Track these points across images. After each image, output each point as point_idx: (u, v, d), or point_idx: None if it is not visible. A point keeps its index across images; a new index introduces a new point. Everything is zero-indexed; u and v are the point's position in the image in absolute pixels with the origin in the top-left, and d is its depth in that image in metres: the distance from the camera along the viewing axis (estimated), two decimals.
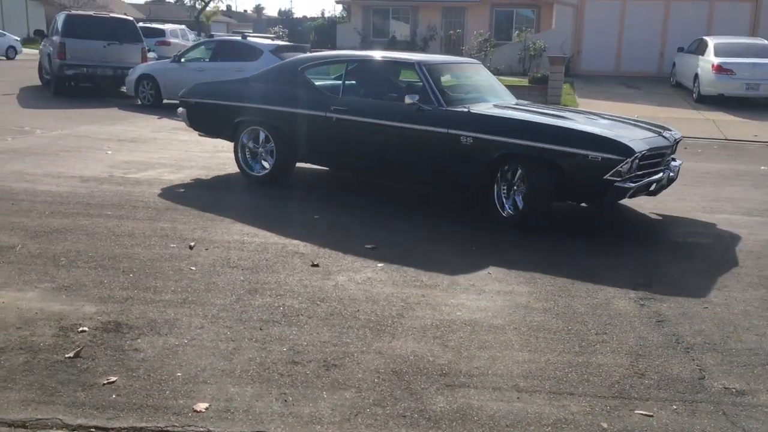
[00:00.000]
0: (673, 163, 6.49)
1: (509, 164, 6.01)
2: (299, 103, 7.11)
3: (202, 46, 14.77)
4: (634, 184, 5.69)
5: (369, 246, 5.43)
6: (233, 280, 4.62)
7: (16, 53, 31.50)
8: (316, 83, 7.38)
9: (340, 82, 7.16)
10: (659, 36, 23.43)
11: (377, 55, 7.64)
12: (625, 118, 7.10)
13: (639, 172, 5.78)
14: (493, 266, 5.07)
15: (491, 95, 7.16)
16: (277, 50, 13.40)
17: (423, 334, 3.89)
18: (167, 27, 26.70)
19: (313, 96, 7.12)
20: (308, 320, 4.04)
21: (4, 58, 30.63)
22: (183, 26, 29.52)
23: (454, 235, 5.89)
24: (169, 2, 73.59)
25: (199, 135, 8.35)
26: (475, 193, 6.57)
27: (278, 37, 27.76)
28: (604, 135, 5.81)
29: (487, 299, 4.45)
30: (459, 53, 25.62)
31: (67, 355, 3.50)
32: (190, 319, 3.99)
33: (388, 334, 3.89)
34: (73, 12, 17.44)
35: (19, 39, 32.75)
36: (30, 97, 15.51)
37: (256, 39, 14.59)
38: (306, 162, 7.77)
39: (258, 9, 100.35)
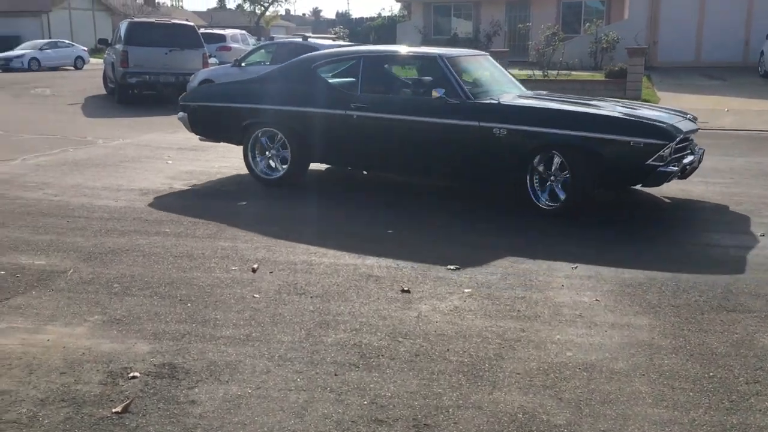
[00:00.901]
0: (698, 148, 6.53)
1: (542, 155, 5.92)
2: (315, 101, 6.88)
3: (263, 50, 14.45)
4: (675, 168, 5.73)
5: (451, 267, 4.80)
6: (301, 311, 4.06)
7: (84, 63, 32.17)
8: (331, 81, 7.17)
9: (356, 78, 6.90)
10: (743, 23, 21.96)
11: (393, 49, 7.53)
12: (653, 105, 7.27)
13: (675, 156, 5.82)
14: (600, 294, 4.36)
15: (508, 86, 7.06)
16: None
17: (530, 383, 3.23)
18: (228, 32, 26.67)
19: (330, 94, 6.92)
20: (390, 362, 3.44)
21: (72, 68, 31.30)
22: (243, 31, 29.50)
23: (540, 247, 5.19)
24: (229, 9, 74.63)
25: (200, 140, 8.00)
26: (507, 186, 6.46)
27: (339, 38, 27.40)
28: (645, 120, 5.83)
29: (601, 335, 3.75)
30: (525, 49, 24.70)
31: (114, 410, 2.99)
32: (254, 360, 3.45)
33: (487, 382, 3.25)
34: (135, 19, 17.41)
35: (86, 49, 33.45)
36: (94, 107, 15.49)
37: (316, 40, 14.14)
38: (324, 162, 7.61)
39: (316, 12, 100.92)
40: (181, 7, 65.02)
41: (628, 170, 5.74)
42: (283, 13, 74.54)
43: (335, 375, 3.31)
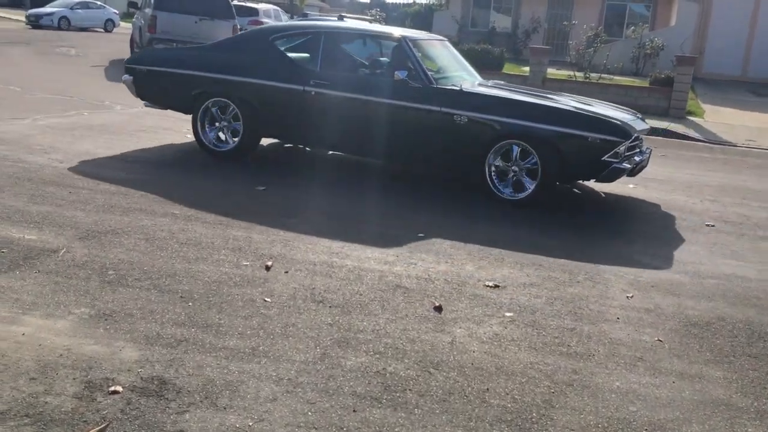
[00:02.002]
0: (645, 147, 6.59)
1: (502, 145, 5.93)
2: (272, 74, 6.68)
3: None
4: (628, 165, 5.81)
5: (489, 284, 4.23)
6: (318, 323, 3.51)
7: (114, 26, 31.75)
8: (290, 55, 6.95)
9: (316, 54, 6.71)
10: None
11: (356, 27, 7.42)
12: (606, 103, 7.16)
13: (627, 154, 5.89)
14: (662, 333, 3.78)
15: (467, 73, 6.95)
16: None
17: None
18: (261, 6, 26.08)
19: (288, 68, 6.72)
20: (419, 400, 2.88)
21: (101, 30, 30.90)
22: (277, 7, 28.89)
23: (588, 267, 4.60)
24: None
25: (145, 105, 7.60)
26: (466, 174, 6.46)
27: (375, 20, 26.74)
28: (603, 117, 5.92)
29: (668, 386, 3.17)
30: (565, 48, 23.94)
31: None
32: (259, 383, 2.91)
33: None
34: None
35: (117, 12, 33.02)
36: (117, 71, 14.98)
37: (352, 21, 13.52)
38: (277, 138, 7.49)
39: None
40: None
41: (584, 165, 5.84)
42: None
43: (354, 411, 2.76)
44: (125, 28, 29.84)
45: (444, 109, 6.06)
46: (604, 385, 3.13)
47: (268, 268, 4.18)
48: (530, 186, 5.93)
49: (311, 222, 5.17)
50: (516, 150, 5.90)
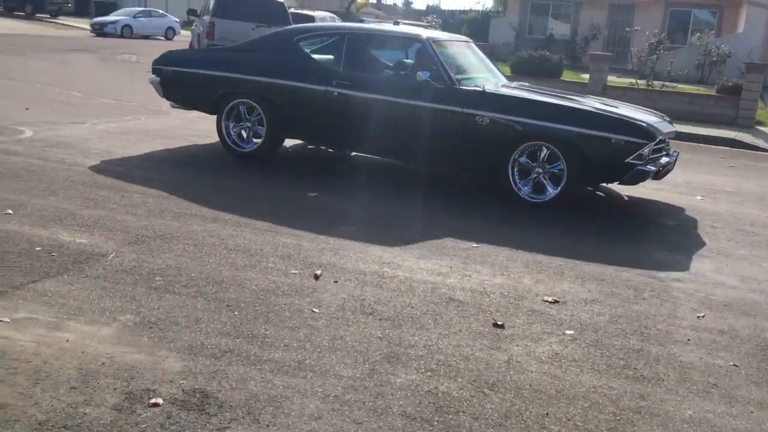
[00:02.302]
0: (672, 150, 6.49)
1: (525, 146, 5.88)
2: (295, 75, 6.69)
3: None
4: (653, 168, 5.72)
5: (549, 299, 4.01)
6: (367, 336, 3.36)
7: (174, 34, 32.48)
8: (313, 55, 6.97)
9: (339, 55, 6.74)
10: None
11: (380, 28, 7.47)
12: (633, 105, 6.99)
13: (652, 156, 5.82)
14: (737, 358, 3.50)
15: (491, 75, 6.94)
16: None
17: None
18: (317, 14, 26.15)
19: (312, 69, 6.73)
20: (473, 424, 2.69)
21: (162, 38, 31.63)
22: (333, 14, 29.01)
23: (655, 282, 4.32)
24: None
25: (172, 106, 7.69)
26: (488, 175, 6.33)
27: (431, 26, 26.59)
28: (628, 118, 5.85)
29: (746, 417, 2.90)
30: (625, 55, 23.32)
31: None
32: (303, 399, 2.76)
33: None
34: None
35: (178, 21, 33.75)
36: None
37: (409, 27, 13.39)
38: (299, 139, 7.48)
39: (406, 2, 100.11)
40: None
41: (607, 166, 5.76)
42: (374, 0, 74.10)
43: None
44: (185, 35, 30.44)
45: (466, 110, 6.02)
46: (674, 414, 2.88)
47: (317, 277, 4.05)
48: (551, 190, 5.88)
49: (362, 230, 5.03)
50: (544, 152, 5.84)
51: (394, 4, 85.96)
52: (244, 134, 6.97)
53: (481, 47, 14.41)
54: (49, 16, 34.14)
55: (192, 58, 7.69)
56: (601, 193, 6.91)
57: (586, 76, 15.18)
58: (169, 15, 33.97)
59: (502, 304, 3.88)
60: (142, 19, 31.66)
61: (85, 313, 3.36)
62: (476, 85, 6.28)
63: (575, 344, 3.46)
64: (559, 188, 5.83)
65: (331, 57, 6.97)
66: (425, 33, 6.87)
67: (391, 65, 6.98)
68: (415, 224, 5.34)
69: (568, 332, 3.59)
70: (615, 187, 6.79)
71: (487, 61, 7.34)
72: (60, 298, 3.50)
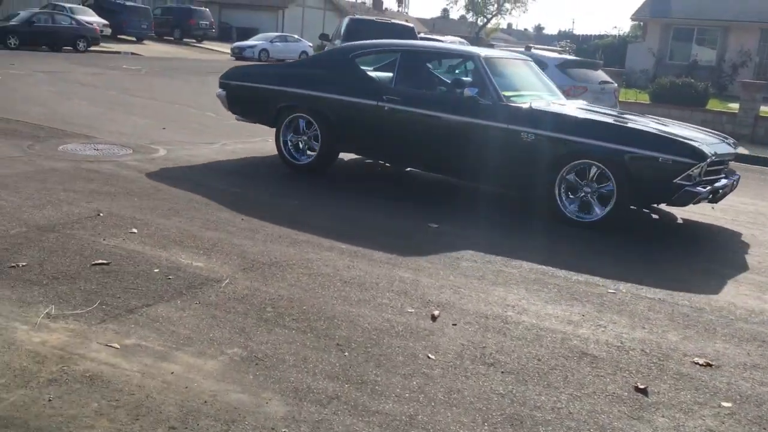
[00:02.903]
0: (734, 172, 6.35)
1: (573, 164, 5.78)
2: (349, 90, 6.82)
3: None
4: (703, 189, 5.55)
5: (700, 361, 3.48)
6: (487, 392, 3.00)
7: None
8: (368, 71, 7.13)
9: (392, 71, 6.87)
10: None
11: (434, 45, 7.74)
12: (690, 125, 6.79)
13: (706, 178, 5.67)
14: None
15: (545, 92, 6.86)
16: (564, 65, 11.62)
17: None
18: (446, 39, 26.19)
19: (364, 84, 6.90)
20: None
21: None
22: (462, 40, 28.93)
23: None
24: (452, 19, 75.08)
25: (236, 119, 7.94)
26: (535, 193, 6.15)
27: (565, 51, 25.83)
28: (676, 138, 5.69)
29: None
30: None
31: None
32: None
33: None
34: (357, 16, 17.34)
35: (312, 45, 34.87)
36: None
37: (541, 52, 12.95)
38: (352, 152, 7.52)
39: (537, 28, 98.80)
40: (407, 12, 66.46)
41: (654, 187, 5.63)
42: (505, 26, 73.65)
43: None
44: None
45: (511, 126, 6.00)
46: None
47: (434, 318, 3.75)
48: (598, 210, 5.77)
49: (484, 266, 4.68)
50: (593, 171, 5.72)
51: (525, 30, 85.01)
52: (300, 145, 7.16)
53: (615, 74, 13.68)
54: (195, 40, 36.31)
55: (254, 73, 8.01)
56: (656, 216, 6.56)
57: (735, 105, 14.03)
58: (303, 40, 35.21)
59: (644, 364, 3.40)
60: (278, 43, 32.98)
61: (193, 343, 3.23)
62: (524, 102, 6.21)
63: (733, 420, 2.94)
64: (607, 208, 5.70)
65: (385, 73, 7.18)
66: (476, 50, 6.95)
67: (441, 81, 7.07)
68: (541, 261, 4.92)
69: (725, 404, 3.07)
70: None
71: (546, 79, 7.28)
72: (171, 324, 3.40)
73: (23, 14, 23.95)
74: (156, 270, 4.09)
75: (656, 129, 5.95)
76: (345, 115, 6.83)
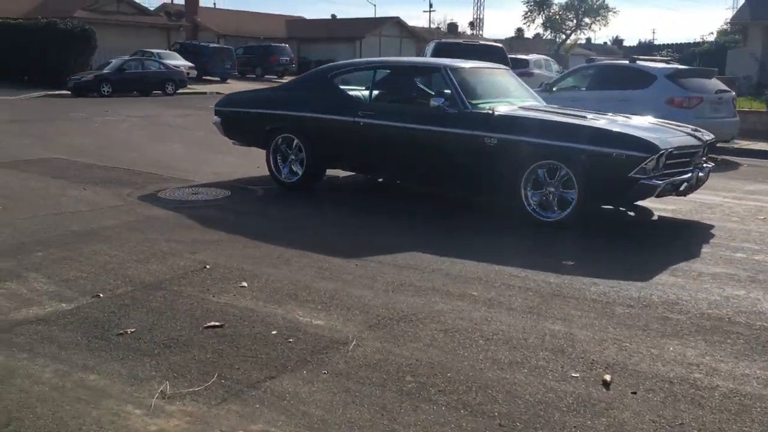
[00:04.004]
0: (704, 165, 6.37)
1: (536, 166, 5.88)
2: (327, 109, 7.10)
3: (578, 73, 12.78)
4: (660, 182, 5.60)
5: None
6: None
7: None
8: (345, 90, 7.37)
9: (368, 87, 7.19)
10: None
11: (405, 60, 8.38)
12: (657, 121, 6.71)
13: (666, 171, 5.71)
14: None
15: (517, 98, 6.99)
16: (676, 75, 10.75)
17: None
18: (531, 57, 25.40)
19: (342, 102, 7.13)
20: None
21: None
22: (548, 57, 28.08)
23: None
24: (527, 38, 73.97)
25: (234, 144, 8.24)
26: (501, 198, 6.40)
27: (666, 61, 24.63)
28: (627, 132, 5.83)
29: None
30: None
31: None
32: None
33: None
34: (443, 40, 16.95)
35: None
36: None
37: (647, 63, 12.09)
38: (337, 168, 7.68)
39: (617, 40, 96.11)
40: (481, 35, 65.85)
41: (610, 182, 5.70)
42: (583, 41, 71.87)
43: None
44: None
45: (476, 132, 6.11)
46: None
47: (607, 384, 3.11)
48: (557, 209, 5.88)
49: (645, 314, 4.00)
50: (563, 172, 5.78)
51: (605, 43, 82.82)
52: (294, 168, 7.37)
53: (726, 82, 12.60)
54: (275, 76, 36.88)
55: (244, 99, 8.36)
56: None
57: None
58: None
59: None
60: None
61: (329, 428, 2.72)
62: (489, 109, 6.27)
63: None
64: (569, 209, 5.79)
65: (361, 89, 7.41)
66: (443, 62, 7.08)
67: (412, 94, 7.29)
68: (708, 304, 4.18)
69: None
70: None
71: (521, 86, 7.44)
72: (300, 403, 2.91)
73: (115, 62, 24.78)
74: (274, 332, 3.64)
75: (610, 126, 6.01)
76: (325, 132, 7.10)
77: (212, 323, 3.73)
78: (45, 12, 29.48)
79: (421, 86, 7.41)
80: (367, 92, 7.21)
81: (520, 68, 23.82)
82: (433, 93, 6.76)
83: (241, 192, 7.36)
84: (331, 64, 8.17)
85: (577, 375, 3.21)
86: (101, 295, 4.13)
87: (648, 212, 6.77)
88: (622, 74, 11.54)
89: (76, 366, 3.21)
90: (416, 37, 48.33)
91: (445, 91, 6.48)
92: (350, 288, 4.36)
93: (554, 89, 12.49)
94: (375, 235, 5.72)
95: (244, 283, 4.39)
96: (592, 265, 4.99)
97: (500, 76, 7.45)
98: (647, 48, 72.13)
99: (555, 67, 26.88)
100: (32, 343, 3.45)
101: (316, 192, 7.57)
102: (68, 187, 7.35)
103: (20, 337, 3.52)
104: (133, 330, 3.62)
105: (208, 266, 4.72)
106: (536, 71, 24.42)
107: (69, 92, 22.88)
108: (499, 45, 15.45)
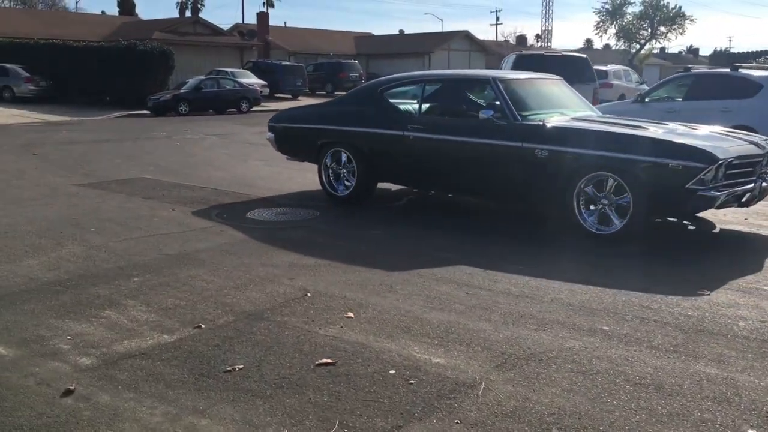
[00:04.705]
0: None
1: (589, 177, 5.73)
2: (377, 123, 7.14)
3: (673, 83, 12.09)
4: (719, 193, 5.35)
5: None
6: None
7: None
8: (395, 103, 7.41)
9: (417, 101, 7.18)
10: None
11: (454, 73, 8.17)
12: (721, 130, 6.39)
13: (726, 182, 5.44)
14: None
15: (571, 109, 6.83)
16: None
17: None
18: (610, 68, 24.58)
19: (391, 115, 7.18)
20: None
21: None
22: (627, 68, 27.16)
23: None
24: (596, 48, 72.29)
25: (287, 159, 8.40)
26: (554, 209, 6.18)
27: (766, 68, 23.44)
28: (683, 142, 5.61)
29: None
30: None
31: None
32: None
33: None
34: (524, 52, 16.49)
35: None
36: None
37: (750, 71, 11.34)
38: (387, 181, 7.66)
39: (692, 49, 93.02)
40: (549, 46, 64.73)
41: (666, 194, 5.48)
42: (657, 51, 69.73)
43: None
44: None
45: (525, 144, 6.03)
46: None
47: None
48: (617, 221, 5.66)
49: None
50: (610, 183, 5.65)
51: (680, 53, 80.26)
52: (341, 179, 7.43)
53: None
54: (345, 93, 37.08)
55: (297, 114, 8.41)
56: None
57: None
58: None
59: None
60: None
61: None
62: (539, 120, 6.16)
63: None
64: (626, 219, 5.58)
65: (411, 103, 7.40)
66: (493, 73, 7.10)
67: (461, 106, 7.07)
68: None
69: None
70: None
71: (575, 95, 7.27)
72: None
73: (191, 82, 25.27)
74: (392, 371, 3.31)
75: (667, 136, 5.80)
76: (375, 146, 7.12)
77: (324, 360, 3.43)
78: (124, 35, 30.45)
79: (472, 98, 7.27)
80: (416, 106, 7.20)
81: (599, 79, 23.12)
82: (483, 105, 6.66)
83: (331, 212, 7.11)
84: (381, 78, 8.23)
85: (754, 431, 2.75)
86: (203, 326, 3.90)
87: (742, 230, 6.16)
88: (723, 83, 10.85)
89: (186, 409, 2.96)
90: (485, 50, 47.85)
91: (495, 102, 6.40)
92: (465, 320, 3.99)
93: (647, 100, 11.87)
94: (482, 256, 5.32)
95: (351, 314, 4.08)
96: (724, 292, 4.48)
97: (553, 86, 7.33)
98: (728, 57, 69.41)
99: (634, 77, 25.97)
100: (137, 381, 3.22)
101: (404, 211, 7.26)
102: (158, 207, 7.27)
103: (124, 374, 3.30)
104: (241, 367, 3.36)
105: (308, 294, 4.45)
106: (615, 82, 23.66)
107: (148, 112, 23.41)
108: (584, 56, 14.91)
